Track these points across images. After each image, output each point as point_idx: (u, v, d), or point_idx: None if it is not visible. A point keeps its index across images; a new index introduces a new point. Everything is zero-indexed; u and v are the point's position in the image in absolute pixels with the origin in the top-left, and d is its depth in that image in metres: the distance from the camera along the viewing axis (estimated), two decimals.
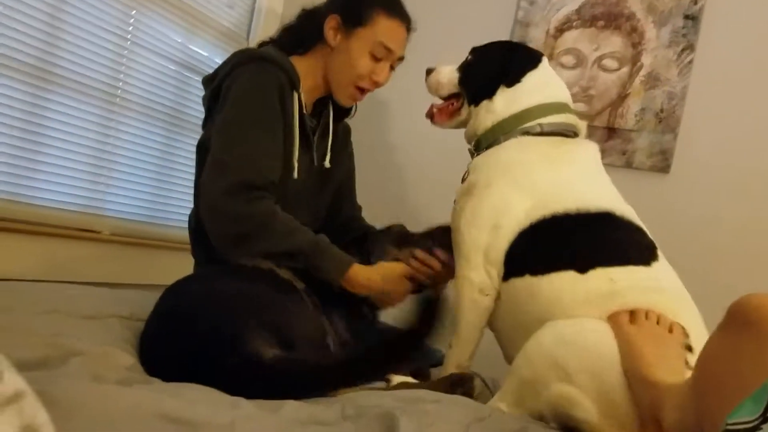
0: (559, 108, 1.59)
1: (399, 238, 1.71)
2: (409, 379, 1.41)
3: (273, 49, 1.69)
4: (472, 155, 1.65)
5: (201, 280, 1.39)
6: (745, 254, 2.18)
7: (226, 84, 1.59)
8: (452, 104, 1.71)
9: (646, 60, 2.38)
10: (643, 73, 2.38)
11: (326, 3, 1.76)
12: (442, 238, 1.63)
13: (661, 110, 2.33)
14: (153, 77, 2.03)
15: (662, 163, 2.31)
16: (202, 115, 2.21)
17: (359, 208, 1.99)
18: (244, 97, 1.55)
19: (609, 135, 2.40)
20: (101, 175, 1.92)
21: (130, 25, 1.93)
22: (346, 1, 1.72)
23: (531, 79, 1.61)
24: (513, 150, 1.54)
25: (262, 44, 1.81)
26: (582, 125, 1.62)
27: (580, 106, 2.44)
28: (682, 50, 2.33)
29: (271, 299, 1.26)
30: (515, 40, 2.56)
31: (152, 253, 2.07)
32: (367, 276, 1.57)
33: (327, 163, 1.79)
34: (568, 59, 2.49)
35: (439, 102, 1.75)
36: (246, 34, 2.39)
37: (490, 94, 1.61)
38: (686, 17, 2.33)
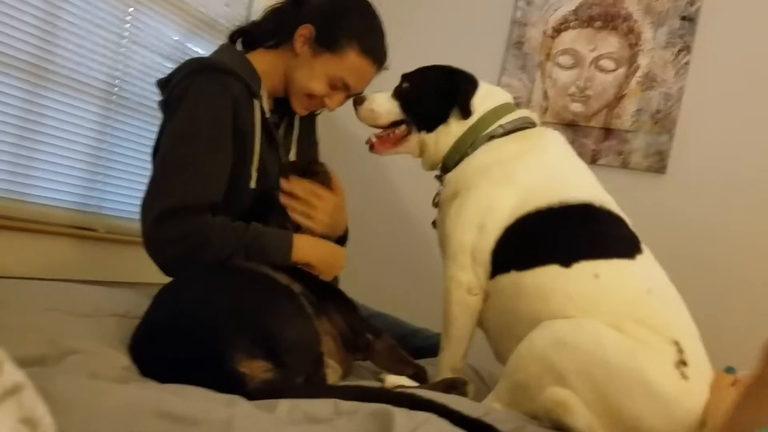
0: (509, 108, 1.62)
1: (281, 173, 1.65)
2: (404, 380, 1.41)
3: (231, 52, 1.65)
4: (440, 178, 1.64)
5: (193, 284, 1.35)
6: (741, 256, 2.19)
7: (175, 93, 1.53)
8: (394, 132, 1.68)
9: (643, 61, 2.38)
10: (639, 74, 2.38)
11: (308, 7, 1.68)
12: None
13: (658, 111, 2.34)
14: (150, 75, 2.02)
15: (658, 164, 2.32)
16: None
17: None
18: (191, 110, 1.50)
19: (605, 135, 2.40)
20: (98, 173, 1.91)
21: (127, 22, 1.93)
22: (327, 17, 1.64)
23: (477, 96, 1.62)
24: (486, 154, 1.55)
25: (236, 31, 1.74)
26: (535, 115, 1.65)
27: (577, 107, 2.45)
28: (679, 51, 2.33)
29: (263, 308, 1.23)
30: (513, 40, 2.57)
31: None
32: (309, 241, 1.54)
33: (291, 156, 1.76)
34: (566, 59, 2.49)
35: (377, 131, 1.71)
36: None
37: (443, 118, 1.61)
38: (683, 18, 2.34)
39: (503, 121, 1.58)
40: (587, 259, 1.36)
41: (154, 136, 2.04)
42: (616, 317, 1.29)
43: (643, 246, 1.43)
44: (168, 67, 2.07)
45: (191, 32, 2.17)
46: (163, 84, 1.61)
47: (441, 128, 1.62)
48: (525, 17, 2.58)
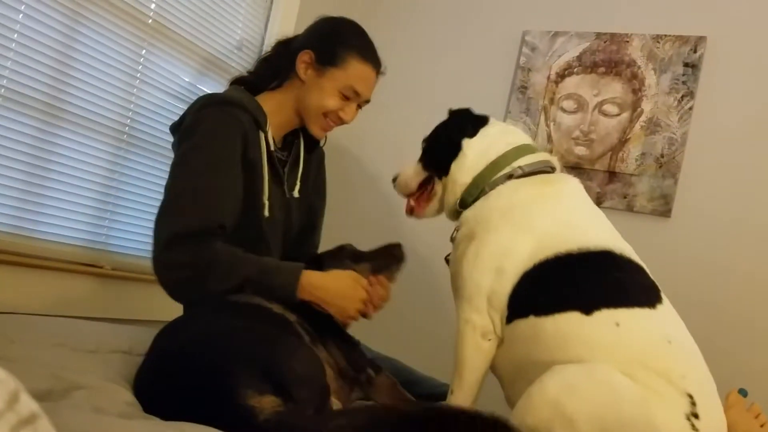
0: (529, 149, 1.62)
1: (353, 257, 1.71)
2: None
3: (238, 90, 1.72)
4: (458, 214, 1.64)
5: (193, 323, 1.35)
6: (745, 299, 2.19)
7: (186, 124, 1.59)
8: (425, 190, 1.73)
9: (647, 106, 2.41)
10: (643, 118, 2.41)
11: (302, 37, 1.79)
12: (391, 257, 1.66)
13: (662, 155, 2.36)
14: (160, 115, 2.06)
15: (663, 208, 2.33)
16: None
17: (317, 247, 1.97)
18: (202, 138, 1.55)
19: (610, 179, 2.42)
20: (106, 211, 1.93)
21: (139, 63, 1.96)
22: (321, 38, 1.75)
23: (489, 131, 1.65)
24: (505, 195, 1.55)
25: (236, 79, 1.82)
26: (555, 159, 1.65)
27: (582, 150, 2.47)
28: (682, 97, 2.36)
29: (265, 341, 1.23)
30: (517, 84, 2.61)
31: (154, 289, 2.06)
32: (320, 280, 1.54)
33: (296, 193, 1.80)
34: (569, 104, 2.53)
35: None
36: None
37: (456, 151, 1.63)
38: (686, 65, 2.37)
39: (523, 162, 1.58)
40: (609, 307, 1.34)
41: (163, 175, 2.08)
42: (632, 365, 1.27)
43: (663, 295, 1.41)
44: (179, 107, 2.11)
45: (202, 74, 2.21)
46: (176, 127, 1.67)
47: (455, 164, 1.63)
48: (529, 62, 2.62)
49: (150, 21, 1.98)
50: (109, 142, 1.90)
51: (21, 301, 1.65)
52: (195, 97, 2.15)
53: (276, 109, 1.73)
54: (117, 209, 1.96)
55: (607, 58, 2.50)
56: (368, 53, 1.76)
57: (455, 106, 1.75)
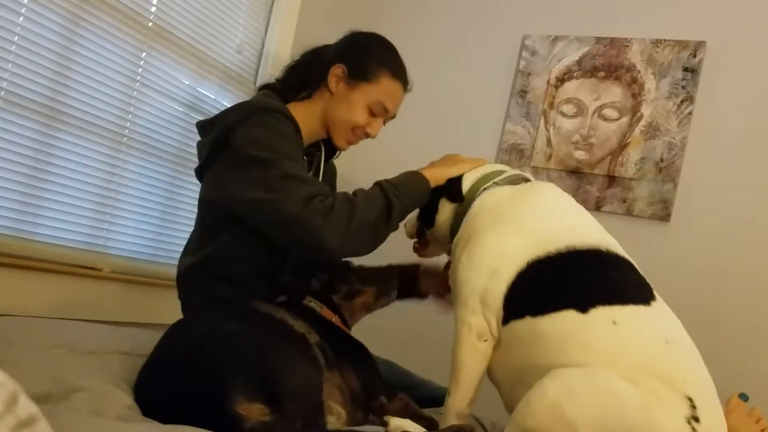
0: (500, 171, 1.65)
1: (361, 278, 1.77)
2: (408, 423, 1.39)
3: (273, 98, 1.72)
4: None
5: (200, 325, 1.35)
6: (745, 303, 2.19)
7: (239, 133, 1.57)
8: (421, 238, 1.79)
9: (646, 110, 2.42)
10: (642, 123, 2.41)
11: (334, 49, 1.79)
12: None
13: (661, 160, 2.36)
14: (160, 118, 2.06)
15: (662, 212, 2.33)
16: None
17: None
18: (267, 141, 1.56)
19: (609, 183, 2.42)
20: (105, 213, 1.93)
21: (139, 66, 1.96)
22: (354, 53, 1.76)
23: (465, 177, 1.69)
24: (490, 198, 1.57)
25: (265, 86, 1.83)
26: (528, 174, 1.67)
27: (581, 154, 2.48)
28: (682, 102, 2.37)
29: (266, 350, 1.23)
30: (517, 88, 2.61)
31: (153, 292, 2.07)
32: (434, 170, 1.65)
33: None
34: (569, 108, 2.53)
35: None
36: (254, 78, 2.44)
37: (435, 208, 1.67)
38: (685, 69, 2.38)
39: (497, 178, 1.61)
40: (604, 305, 1.34)
41: (162, 178, 2.08)
42: (632, 370, 1.27)
43: (655, 292, 1.42)
44: (179, 110, 2.11)
45: (202, 77, 2.21)
46: (206, 125, 1.68)
47: (438, 218, 1.67)
48: (529, 67, 2.62)
49: (150, 24, 1.98)
50: (109, 145, 1.90)
51: (20, 304, 1.65)
52: (195, 101, 2.17)
53: (303, 119, 1.73)
54: (116, 212, 1.96)
55: (606, 63, 2.51)
56: (399, 70, 1.78)
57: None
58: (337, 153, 1.92)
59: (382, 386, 1.50)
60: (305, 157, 1.80)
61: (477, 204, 1.58)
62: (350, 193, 1.56)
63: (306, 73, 1.79)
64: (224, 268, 1.63)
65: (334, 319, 1.65)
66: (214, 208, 1.64)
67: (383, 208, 1.54)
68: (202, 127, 1.70)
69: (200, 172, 1.70)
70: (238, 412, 1.08)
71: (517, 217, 1.51)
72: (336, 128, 1.77)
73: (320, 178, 1.84)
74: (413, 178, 1.62)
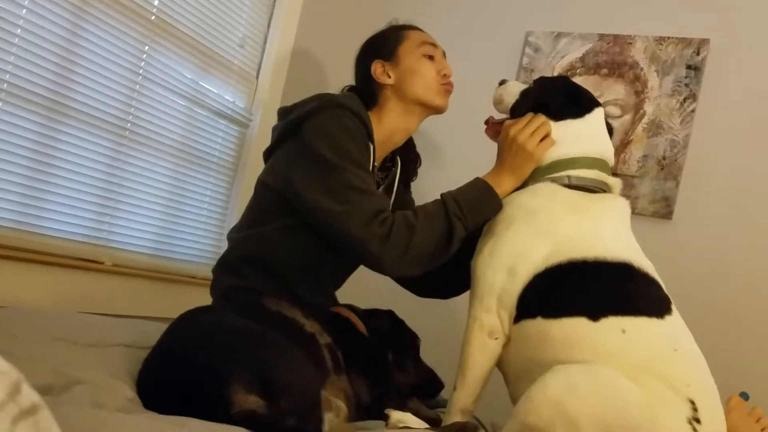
0: (592, 163, 1.56)
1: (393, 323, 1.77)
2: (409, 417, 1.39)
3: (354, 98, 1.73)
4: None
5: (206, 317, 1.36)
6: (747, 302, 2.19)
7: (311, 124, 1.60)
8: (501, 124, 1.68)
9: (649, 108, 2.41)
10: (645, 120, 2.41)
11: (363, 57, 1.85)
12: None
13: (664, 158, 2.36)
14: (163, 112, 2.06)
15: (665, 210, 2.33)
16: (210, 151, 2.25)
17: None
18: (338, 140, 1.58)
19: None
20: (108, 206, 1.93)
21: (142, 60, 1.96)
22: (375, 48, 1.84)
23: (573, 127, 1.59)
24: (538, 196, 1.52)
25: (351, 87, 1.88)
26: (615, 183, 1.59)
27: None
28: (685, 99, 2.36)
29: (269, 346, 1.23)
30: None
31: (155, 285, 2.07)
32: (497, 177, 1.58)
33: None
34: None
35: (500, 116, 1.73)
36: (256, 73, 2.43)
37: (557, 117, 1.59)
38: (688, 67, 2.37)
39: (574, 173, 1.54)
40: (616, 315, 1.34)
41: (164, 171, 2.08)
42: (636, 370, 1.27)
43: (674, 308, 1.41)
44: (181, 104, 2.11)
45: (205, 71, 2.21)
46: (286, 111, 1.73)
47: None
48: (532, 63, 2.62)
49: (153, 18, 1.98)
50: (112, 139, 1.90)
51: (22, 296, 1.65)
52: (197, 95, 2.17)
53: (376, 124, 1.75)
54: (119, 205, 1.96)
55: (609, 60, 2.50)
56: (406, 26, 1.89)
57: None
58: (414, 176, 1.96)
59: (391, 399, 1.50)
60: (379, 173, 1.81)
61: (526, 196, 1.54)
62: (412, 212, 1.54)
63: (361, 92, 1.81)
64: (261, 255, 1.64)
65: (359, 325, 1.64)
66: (269, 192, 1.67)
67: (443, 233, 1.52)
68: (281, 112, 1.75)
69: (268, 155, 1.75)
70: (232, 399, 1.10)
71: (552, 224, 1.47)
72: (423, 95, 1.78)
73: (393, 196, 1.84)
74: (483, 194, 1.55)
